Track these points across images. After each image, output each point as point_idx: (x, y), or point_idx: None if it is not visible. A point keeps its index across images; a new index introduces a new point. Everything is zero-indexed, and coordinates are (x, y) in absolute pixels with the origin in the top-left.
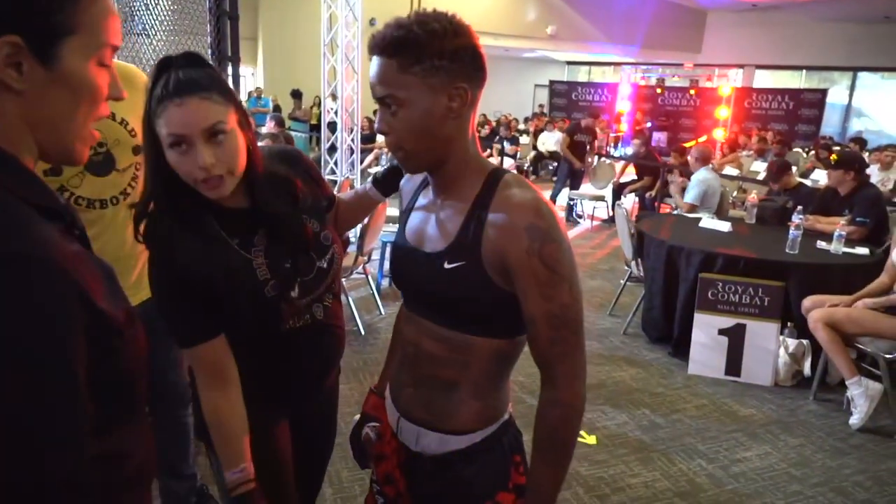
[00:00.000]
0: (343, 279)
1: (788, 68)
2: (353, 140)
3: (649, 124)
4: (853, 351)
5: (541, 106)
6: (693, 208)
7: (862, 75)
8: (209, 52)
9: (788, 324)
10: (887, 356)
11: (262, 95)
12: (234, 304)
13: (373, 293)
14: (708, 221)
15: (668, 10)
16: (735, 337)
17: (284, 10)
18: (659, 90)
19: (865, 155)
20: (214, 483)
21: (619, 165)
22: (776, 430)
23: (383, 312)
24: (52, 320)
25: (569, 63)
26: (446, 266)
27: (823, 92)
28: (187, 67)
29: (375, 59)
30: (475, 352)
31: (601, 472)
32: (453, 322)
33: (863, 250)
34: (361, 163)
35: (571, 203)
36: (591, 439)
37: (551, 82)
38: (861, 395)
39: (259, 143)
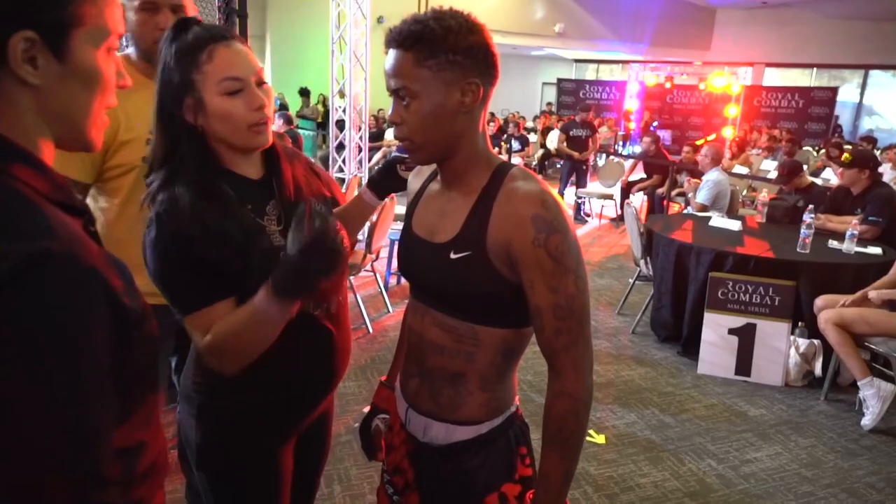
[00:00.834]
0: (351, 276)
1: (798, 66)
2: (360, 138)
3: (655, 124)
4: (866, 352)
5: (549, 104)
6: (704, 208)
7: (873, 73)
8: None
9: (799, 324)
10: None
11: None
12: (251, 270)
13: (381, 291)
14: (718, 220)
15: (677, 8)
16: (745, 336)
17: (292, 9)
18: (668, 84)
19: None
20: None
21: (627, 164)
22: (787, 431)
23: (391, 310)
24: (82, 316)
25: (577, 61)
26: (452, 256)
27: (834, 90)
28: (199, 22)
29: (391, 52)
30: (481, 342)
31: (610, 471)
32: (460, 313)
33: (875, 250)
34: (369, 160)
35: (579, 201)
36: (600, 438)
37: (559, 80)
38: (873, 396)
39: None
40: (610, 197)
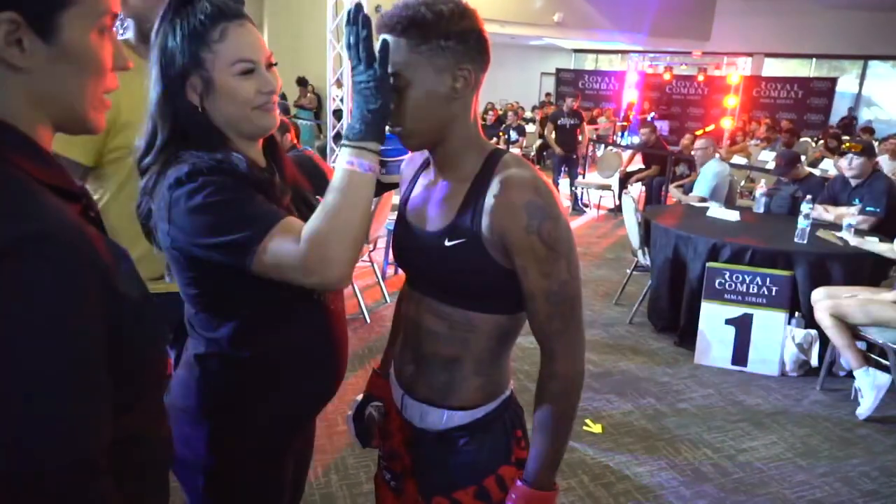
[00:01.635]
0: None
1: (798, 57)
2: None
3: (651, 115)
4: (861, 342)
5: (547, 94)
6: (704, 199)
7: (872, 64)
8: None
9: (796, 314)
10: None
11: None
12: None
13: (378, 281)
14: (716, 211)
15: None
16: (742, 327)
17: None
18: (668, 76)
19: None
20: None
21: (625, 154)
22: (783, 420)
23: (388, 300)
24: (68, 299)
25: (575, 51)
26: (447, 244)
27: (833, 81)
28: None
29: (382, 38)
30: (476, 328)
31: (607, 460)
32: (454, 299)
33: (873, 240)
34: None
35: (575, 191)
36: (596, 428)
37: (558, 70)
38: (868, 385)
39: None
40: (608, 187)
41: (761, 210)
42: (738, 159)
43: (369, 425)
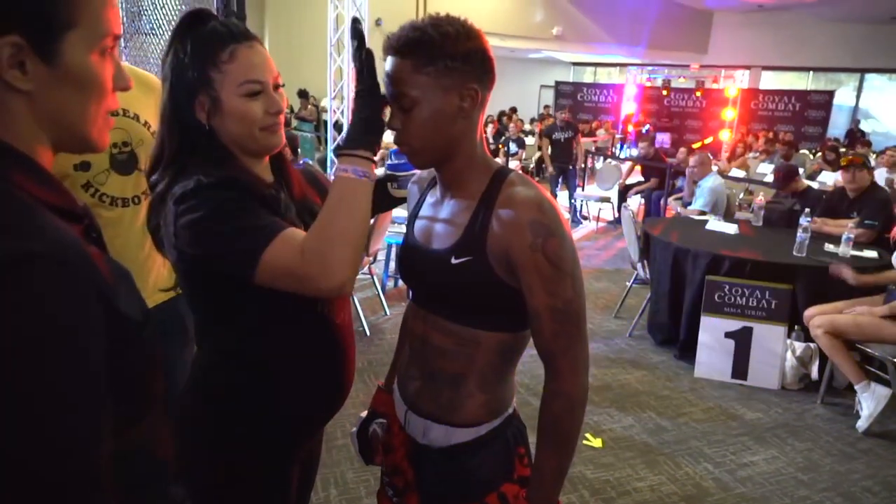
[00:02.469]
0: None
1: (795, 69)
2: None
3: (647, 128)
4: (858, 354)
5: (546, 107)
6: (703, 213)
7: (869, 77)
8: None
9: (796, 327)
10: None
11: None
12: None
13: (378, 294)
14: (715, 224)
15: (674, 11)
16: (742, 340)
17: (291, 10)
18: (665, 91)
19: (872, 157)
20: None
21: (624, 167)
22: (783, 434)
23: (388, 313)
24: (71, 321)
25: (574, 64)
26: (453, 261)
27: (830, 93)
28: (215, 16)
29: (390, 59)
30: (481, 345)
31: (607, 475)
32: (460, 316)
33: (871, 253)
34: None
35: (574, 203)
36: (596, 442)
37: (557, 83)
38: (869, 398)
39: None
40: (607, 199)
41: (760, 223)
42: (737, 172)
43: (373, 442)
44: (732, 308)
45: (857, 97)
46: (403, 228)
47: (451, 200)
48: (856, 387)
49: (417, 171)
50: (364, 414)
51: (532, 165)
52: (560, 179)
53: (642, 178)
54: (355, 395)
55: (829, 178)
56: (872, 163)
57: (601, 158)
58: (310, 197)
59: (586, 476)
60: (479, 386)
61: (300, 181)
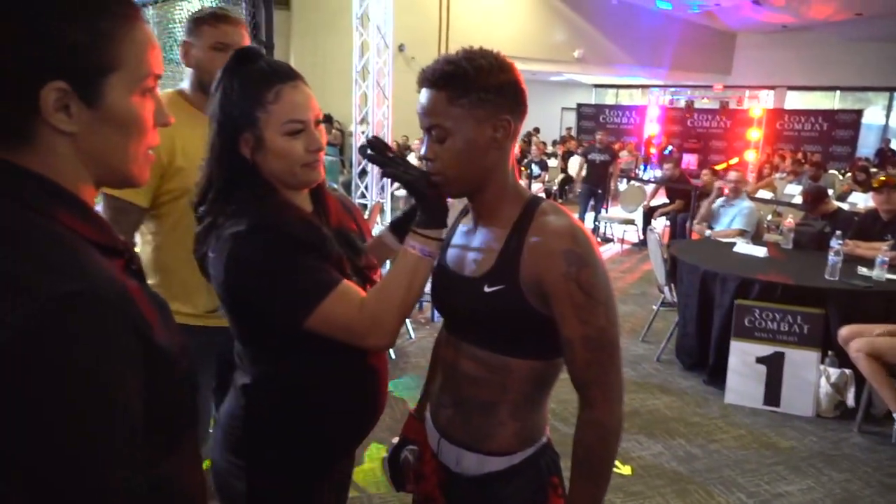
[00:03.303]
0: None
1: (821, 89)
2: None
3: (669, 149)
4: None
5: (568, 129)
6: (743, 233)
7: None
8: None
9: (829, 353)
10: None
11: None
12: None
13: None
14: (743, 247)
15: (696, 33)
16: (773, 365)
17: (316, 38)
18: (688, 112)
19: None
20: None
21: (647, 188)
22: (819, 464)
23: (413, 337)
24: (110, 356)
25: (596, 86)
26: (487, 289)
27: (859, 112)
28: (263, 56)
29: (425, 91)
30: (513, 373)
31: (637, 503)
32: (492, 344)
33: None
34: (392, 186)
35: (598, 225)
36: (625, 469)
37: (579, 105)
38: None
39: None
40: (632, 222)
41: (789, 245)
42: (764, 193)
43: (404, 469)
44: (763, 333)
45: (887, 116)
46: None
47: (483, 229)
48: (894, 413)
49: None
50: (396, 440)
51: (555, 188)
52: (590, 201)
53: (667, 200)
54: (381, 419)
55: (860, 200)
56: None
57: (624, 180)
58: (345, 223)
59: None
60: (512, 414)
61: (336, 208)
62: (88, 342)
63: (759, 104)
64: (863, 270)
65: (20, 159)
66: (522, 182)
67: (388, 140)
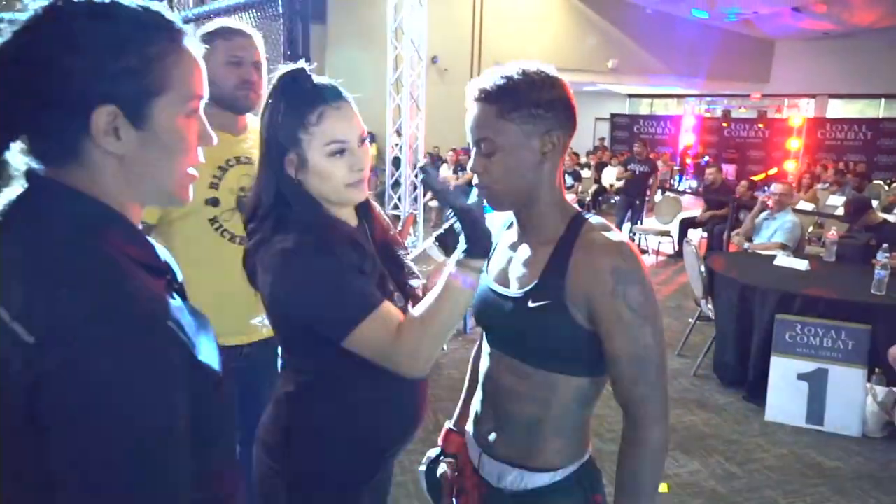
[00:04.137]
0: None
1: (865, 97)
2: (416, 176)
3: (706, 159)
4: None
5: (601, 139)
6: (784, 246)
7: None
8: None
9: (876, 370)
10: None
11: None
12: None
13: None
14: (784, 260)
15: (734, 41)
16: (816, 382)
17: (351, 51)
18: (725, 122)
19: None
20: None
21: (684, 199)
22: (867, 486)
23: (446, 348)
24: (164, 377)
25: (630, 96)
26: (531, 305)
27: None
28: (310, 78)
29: (475, 105)
30: (557, 390)
31: None
32: (536, 360)
33: None
34: (424, 196)
35: (632, 236)
36: (662, 487)
37: (612, 115)
38: None
39: None
40: (667, 233)
41: (832, 259)
42: (805, 205)
43: (442, 482)
44: (805, 349)
45: None
46: None
47: (528, 244)
48: None
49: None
50: (432, 453)
51: (588, 198)
52: (628, 212)
53: (702, 210)
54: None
55: None
56: None
57: (659, 191)
58: (390, 239)
59: None
60: (555, 431)
61: (382, 222)
62: (144, 364)
63: (798, 113)
64: None
65: (69, 178)
66: None
67: (421, 152)
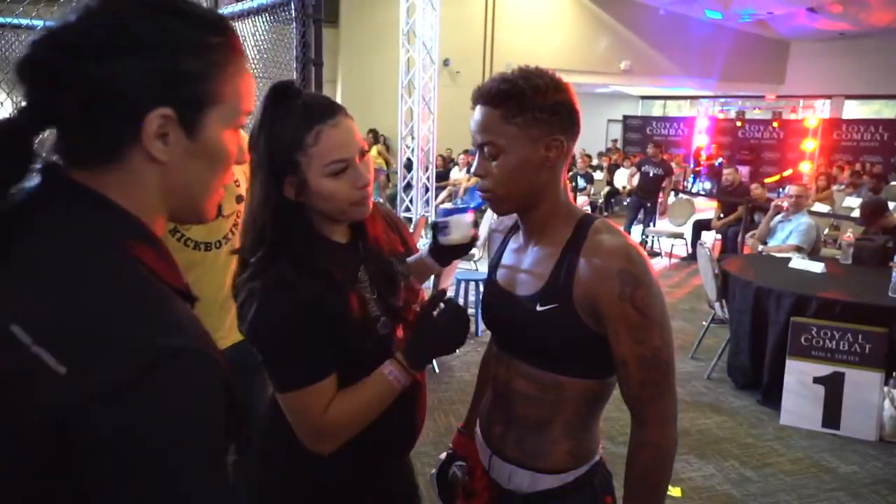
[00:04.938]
0: None
1: (882, 98)
2: (427, 178)
3: (719, 161)
4: None
5: (614, 141)
6: (799, 249)
7: None
8: None
9: (893, 374)
10: None
11: None
12: (352, 343)
13: None
14: (799, 262)
15: (748, 42)
16: (832, 386)
17: (363, 54)
18: (739, 123)
19: None
20: None
21: (698, 201)
22: (884, 491)
23: (456, 351)
24: (211, 411)
25: (643, 97)
26: (539, 309)
27: None
28: (300, 94)
29: (479, 109)
30: (566, 392)
31: None
32: (545, 363)
33: None
34: (436, 199)
35: (645, 239)
36: (675, 491)
37: (625, 117)
38: None
39: None
40: (680, 235)
41: (849, 261)
42: (820, 206)
43: (453, 484)
44: (821, 352)
45: None
46: (471, 265)
47: (534, 247)
48: None
49: (463, 216)
50: (443, 456)
51: (601, 200)
52: (640, 214)
53: (715, 212)
54: (425, 434)
55: None
56: None
57: (672, 193)
58: (392, 245)
59: None
60: (565, 433)
61: (382, 230)
62: (194, 398)
63: (814, 114)
64: None
65: (98, 181)
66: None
67: (433, 155)
